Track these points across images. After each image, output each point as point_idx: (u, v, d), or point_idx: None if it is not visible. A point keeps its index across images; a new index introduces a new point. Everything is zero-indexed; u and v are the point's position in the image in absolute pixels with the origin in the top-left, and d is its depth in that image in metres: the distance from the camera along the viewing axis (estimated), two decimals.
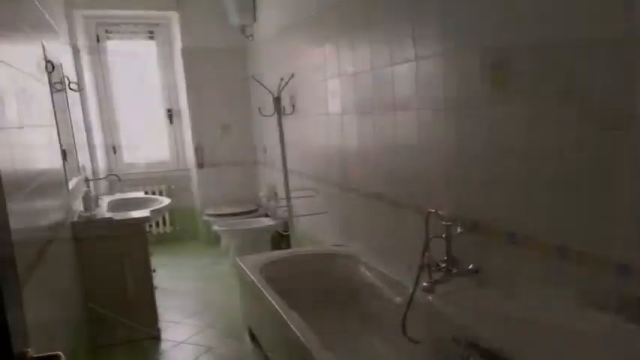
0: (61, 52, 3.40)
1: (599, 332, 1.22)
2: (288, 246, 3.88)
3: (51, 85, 2.81)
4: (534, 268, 1.67)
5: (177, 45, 5.09)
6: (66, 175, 2.84)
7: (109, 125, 5.23)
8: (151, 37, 5.30)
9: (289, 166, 3.75)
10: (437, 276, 1.99)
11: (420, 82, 2.20)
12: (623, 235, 1.38)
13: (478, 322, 1.33)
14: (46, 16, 2.94)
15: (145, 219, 3.06)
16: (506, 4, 1.70)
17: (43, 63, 2.59)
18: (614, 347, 1.16)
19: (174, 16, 5.10)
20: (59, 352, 1.01)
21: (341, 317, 2.86)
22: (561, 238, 1.57)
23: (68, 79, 3.48)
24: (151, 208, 3.56)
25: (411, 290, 2.12)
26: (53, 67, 2.82)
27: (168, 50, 5.33)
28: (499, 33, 1.73)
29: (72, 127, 3.41)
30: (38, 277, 1.74)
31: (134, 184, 5.19)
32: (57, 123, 2.78)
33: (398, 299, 2.43)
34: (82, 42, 4.69)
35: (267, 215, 4.77)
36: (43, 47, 2.62)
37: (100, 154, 4.76)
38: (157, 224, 5.33)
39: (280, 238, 4.69)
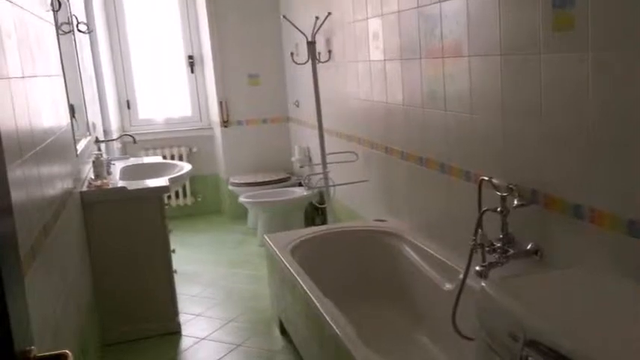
0: None
1: None
2: (324, 221, 3.91)
3: (57, 25, 2.83)
4: (604, 248, 1.65)
5: None
6: (74, 136, 2.88)
7: (123, 75, 5.30)
8: None
9: (325, 124, 3.76)
10: (491, 258, 2.00)
11: (471, 23, 2.19)
12: None
13: (539, 315, 1.31)
14: None
15: (163, 189, 3.10)
16: None
17: None
18: None
19: None
20: (66, 351, 1.02)
21: (383, 306, 2.89)
22: (634, 211, 1.53)
23: (76, 18, 3.50)
24: (170, 176, 3.60)
25: (462, 275, 2.14)
26: (60, 4, 2.83)
27: None
28: None
29: (81, 77, 3.45)
30: (42, 260, 1.76)
31: (151, 146, 5.28)
32: (64, 72, 2.81)
33: (447, 286, 2.46)
34: None
35: (300, 184, 4.80)
36: None
37: (112, 109, 4.83)
38: (177, 195, 5.43)
39: (315, 212, 4.73)
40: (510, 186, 1.98)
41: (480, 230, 2.04)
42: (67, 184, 2.50)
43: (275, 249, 2.89)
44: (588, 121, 1.65)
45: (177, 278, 3.28)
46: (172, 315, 3.17)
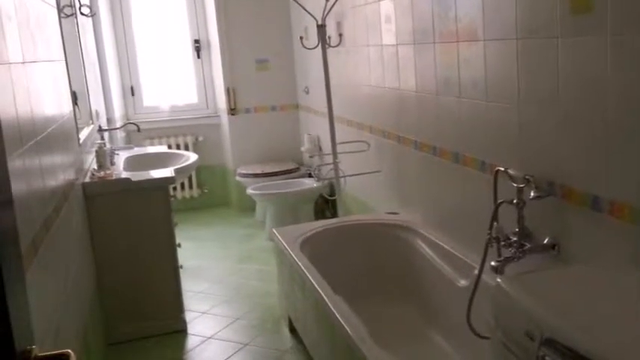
0: None
1: None
2: (334, 214, 3.91)
3: (59, 8, 2.83)
4: (624, 242, 1.64)
5: None
6: (76, 124, 2.89)
7: (127, 60, 5.30)
8: None
9: (335, 112, 3.76)
10: (507, 252, 2.01)
11: (487, 6, 2.19)
12: None
13: (557, 312, 1.30)
14: None
15: (169, 180, 3.10)
16: None
17: None
18: None
19: None
20: (68, 350, 1.03)
21: (395, 303, 2.91)
22: None
23: (79, 1, 3.50)
24: (176, 167, 3.60)
25: (477, 271, 2.14)
26: None
27: None
28: None
29: (83, 62, 3.46)
30: (44, 255, 1.76)
31: (156, 135, 5.30)
32: (66, 57, 2.81)
33: (462, 282, 2.47)
34: None
35: (309, 175, 4.81)
36: None
37: (115, 96, 4.85)
38: (182, 186, 5.44)
39: (325, 204, 4.75)
40: (527, 177, 1.99)
41: (495, 223, 2.05)
42: (69, 175, 2.51)
43: (284, 243, 2.90)
44: (607, 108, 1.64)
45: (182, 274, 3.29)
46: (177, 312, 3.19)
